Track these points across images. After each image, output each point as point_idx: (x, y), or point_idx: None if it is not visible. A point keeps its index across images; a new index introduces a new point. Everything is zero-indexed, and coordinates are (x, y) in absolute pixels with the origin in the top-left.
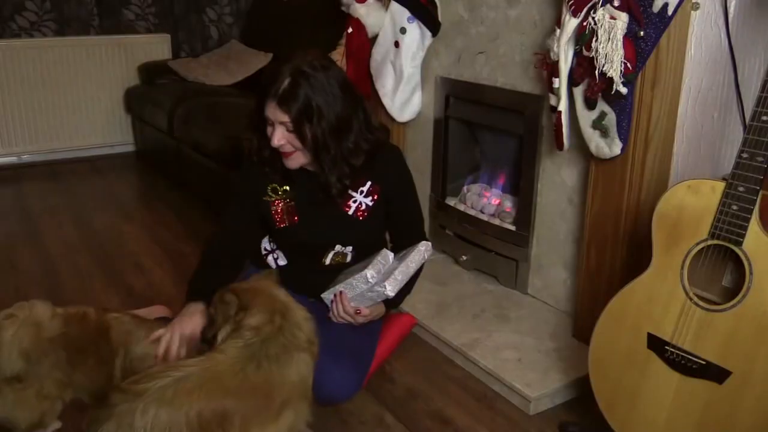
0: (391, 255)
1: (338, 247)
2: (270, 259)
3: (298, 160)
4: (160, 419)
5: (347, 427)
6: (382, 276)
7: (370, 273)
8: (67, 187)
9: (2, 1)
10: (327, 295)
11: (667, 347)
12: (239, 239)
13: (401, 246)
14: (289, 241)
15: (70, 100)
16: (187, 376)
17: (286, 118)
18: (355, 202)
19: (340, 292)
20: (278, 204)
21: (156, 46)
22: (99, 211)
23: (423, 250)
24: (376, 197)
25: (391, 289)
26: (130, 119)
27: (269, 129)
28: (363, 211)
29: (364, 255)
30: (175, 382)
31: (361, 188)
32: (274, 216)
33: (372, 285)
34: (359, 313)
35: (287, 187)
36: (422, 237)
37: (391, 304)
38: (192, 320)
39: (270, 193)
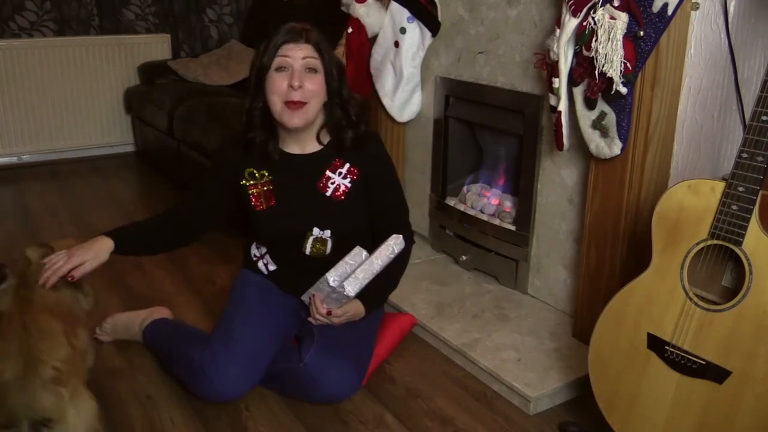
0: (363, 252)
1: (316, 231)
2: (260, 264)
3: (303, 115)
4: None
5: (347, 427)
6: (346, 275)
7: (331, 276)
8: (67, 187)
9: (2, 1)
10: (304, 298)
11: (666, 347)
12: (199, 215)
13: (383, 236)
14: (268, 229)
15: (70, 100)
16: None
17: (312, 53)
18: (333, 183)
19: (313, 295)
20: (256, 188)
21: (156, 46)
22: (99, 211)
23: (392, 244)
24: (354, 179)
25: (351, 289)
26: (130, 119)
27: (278, 76)
28: (341, 192)
29: (344, 245)
30: None
31: (339, 169)
32: (251, 200)
33: (334, 287)
34: (331, 314)
35: (265, 172)
36: (405, 226)
37: (369, 304)
38: (91, 249)
39: (248, 177)
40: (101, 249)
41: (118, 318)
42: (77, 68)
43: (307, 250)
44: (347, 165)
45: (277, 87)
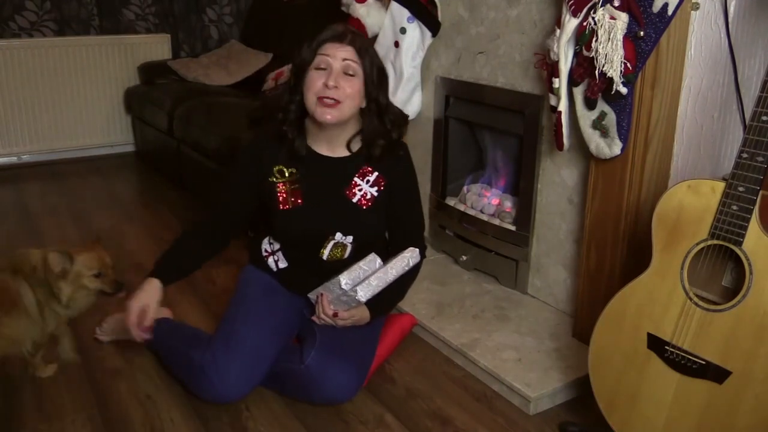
0: (378, 260)
1: (339, 236)
2: (271, 261)
3: (337, 112)
4: None
5: (347, 427)
6: (360, 280)
7: (344, 278)
8: (67, 187)
9: (2, 1)
10: (311, 296)
11: (666, 347)
12: (230, 215)
13: (398, 246)
14: (290, 227)
15: (70, 100)
16: None
17: (353, 56)
18: (360, 190)
19: (321, 294)
20: (283, 186)
21: (156, 46)
22: (99, 211)
23: (408, 256)
24: (381, 188)
25: (363, 294)
26: (130, 119)
27: (316, 74)
28: (367, 200)
29: (362, 252)
30: None
31: (367, 177)
32: (278, 197)
33: (346, 290)
34: (337, 315)
35: (294, 170)
36: (420, 240)
37: (376, 311)
38: (145, 292)
39: (276, 175)
40: (153, 289)
41: (117, 318)
42: (77, 68)
43: (326, 254)
44: (375, 174)
45: (313, 84)
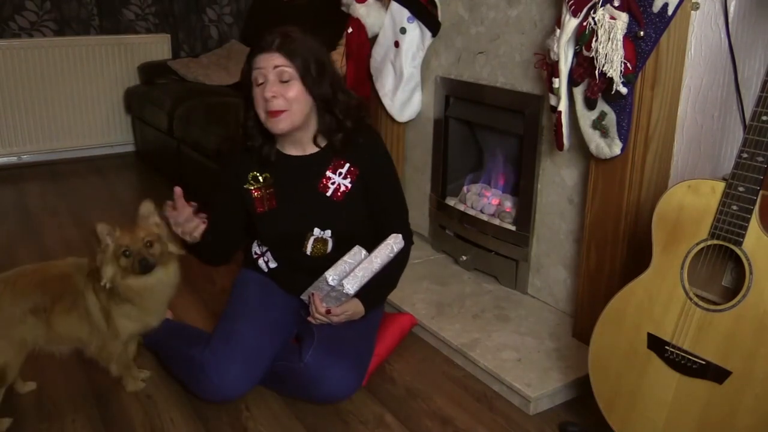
0: (363, 251)
1: (317, 232)
2: (261, 262)
3: (287, 119)
4: None
5: (347, 427)
6: (345, 274)
7: (330, 275)
8: (67, 187)
9: (2, 1)
10: (304, 297)
11: (667, 347)
12: (227, 233)
13: (383, 235)
14: (269, 229)
15: (70, 100)
16: None
17: (283, 61)
18: (333, 183)
19: (312, 294)
20: (258, 191)
21: (156, 46)
22: (99, 211)
23: (391, 243)
24: (354, 179)
25: (350, 287)
26: (130, 119)
27: (258, 90)
28: (341, 193)
29: (345, 245)
30: None
31: (339, 170)
32: (255, 202)
33: (333, 285)
34: (330, 312)
35: (267, 175)
36: (404, 226)
37: (369, 302)
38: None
39: (251, 181)
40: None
41: None
42: (77, 68)
43: (308, 251)
44: (347, 165)
45: (258, 100)
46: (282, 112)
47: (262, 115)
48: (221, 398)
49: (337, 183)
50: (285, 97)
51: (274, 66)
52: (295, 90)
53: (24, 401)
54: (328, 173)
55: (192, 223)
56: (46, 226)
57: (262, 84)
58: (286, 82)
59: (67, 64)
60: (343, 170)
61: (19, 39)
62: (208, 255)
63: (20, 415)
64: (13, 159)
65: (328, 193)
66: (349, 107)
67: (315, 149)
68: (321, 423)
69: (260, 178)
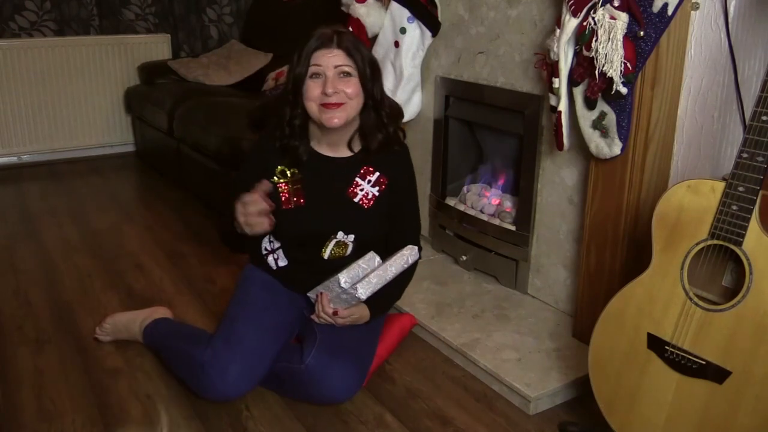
0: (377, 258)
1: (341, 235)
2: (270, 259)
3: (344, 113)
4: None
5: (347, 427)
6: (359, 279)
7: (343, 277)
8: (67, 187)
9: (2, 1)
10: (311, 294)
11: (666, 347)
12: None
13: (395, 245)
14: (293, 227)
15: (70, 100)
16: None
17: (344, 58)
18: (361, 189)
19: (321, 293)
20: (285, 186)
21: (156, 46)
22: (99, 211)
23: (407, 254)
24: (382, 188)
25: (363, 292)
26: (130, 119)
27: (312, 83)
28: (369, 200)
29: (363, 251)
30: None
31: (368, 177)
32: (281, 197)
33: (345, 288)
34: (336, 314)
35: (295, 170)
36: (417, 239)
37: (376, 309)
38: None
39: (278, 175)
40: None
41: (118, 318)
42: (77, 68)
43: (327, 253)
44: (377, 174)
45: (312, 93)
46: (340, 105)
47: (314, 108)
48: (222, 398)
49: (365, 190)
50: (345, 92)
51: (335, 65)
52: (354, 86)
53: (24, 401)
54: (357, 179)
55: (260, 219)
56: (46, 226)
57: (319, 77)
58: (345, 78)
59: (67, 64)
60: (373, 178)
61: (19, 39)
62: (239, 247)
63: (20, 415)
64: (13, 159)
65: (356, 199)
66: (392, 110)
67: (347, 153)
68: (321, 423)
69: (288, 172)
